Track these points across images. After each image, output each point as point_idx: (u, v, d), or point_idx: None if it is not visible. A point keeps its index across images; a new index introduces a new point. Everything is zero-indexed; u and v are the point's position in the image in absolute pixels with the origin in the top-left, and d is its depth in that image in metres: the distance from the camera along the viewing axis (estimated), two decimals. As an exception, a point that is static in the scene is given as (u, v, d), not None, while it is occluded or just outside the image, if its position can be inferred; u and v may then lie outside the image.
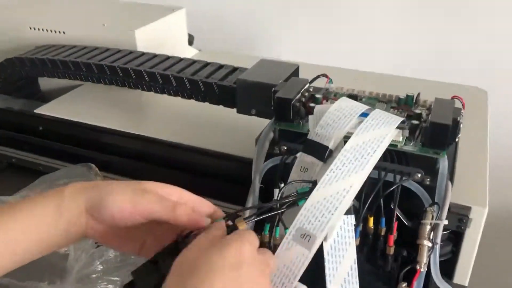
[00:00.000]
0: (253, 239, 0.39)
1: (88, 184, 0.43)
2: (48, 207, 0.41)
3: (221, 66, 0.73)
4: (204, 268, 0.34)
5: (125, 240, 0.44)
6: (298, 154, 0.52)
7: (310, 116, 0.55)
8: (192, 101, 0.72)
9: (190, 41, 1.04)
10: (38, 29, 0.93)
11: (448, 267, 0.58)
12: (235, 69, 0.72)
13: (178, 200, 0.43)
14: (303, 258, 0.44)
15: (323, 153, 0.50)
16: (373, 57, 1.14)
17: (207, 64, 0.74)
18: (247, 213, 0.44)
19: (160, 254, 0.40)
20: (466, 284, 0.59)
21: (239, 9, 1.25)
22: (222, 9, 1.26)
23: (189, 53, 0.99)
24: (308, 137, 0.52)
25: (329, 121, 0.52)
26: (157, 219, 0.41)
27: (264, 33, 1.24)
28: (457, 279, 0.59)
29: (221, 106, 0.70)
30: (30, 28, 0.93)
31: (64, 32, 0.91)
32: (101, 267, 0.60)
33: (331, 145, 0.50)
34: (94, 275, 0.59)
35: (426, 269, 0.49)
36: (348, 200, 0.45)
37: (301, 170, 0.51)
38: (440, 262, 0.52)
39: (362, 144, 0.48)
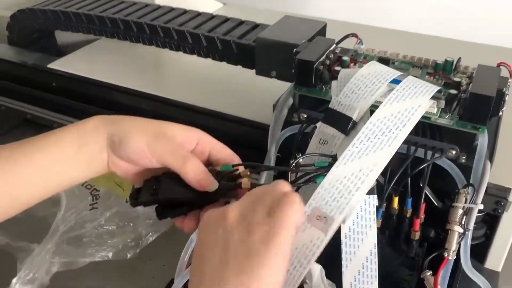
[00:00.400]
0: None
1: (110, 119, 0.42)
2: (68, 143, 0.40)
3: (241, 22, 0.67)
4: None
5: (145, 177, 0.43)
6: (318, 124, 0.47)
7: (333, 82, 0.49)
8: (209, 60, 0.67)
9: (215, -8, 0.98)
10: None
11: (480, 251, 0.53)
12: (256, 26, 0.66)
13: (198, 143, 0.42)
14: (318, 242, 0.39)
15: (346, 125, 0.44)
16: (412, 15, 1.05)
17: (226, 19, 0.68)
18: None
19: (167, 173, 0.41)
20: (499, 270, 0.54)
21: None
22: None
23: (212, 6, 0.93)
24: (329, 106, 0.46)
25: (354, 88, 0.46)
26: (168, 167, 0.40)
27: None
28: (489, 264, 0.54)
29: (239, 67, 0.65)
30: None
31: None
32: (96, 231, 0.57)
33: (354, 116, 0.44)
34: (86, 239, 0.57)
35: (454, 257, 0.44)
36: (371, 180, 0.40)
37: (320, 142, 0.46)
38: (471, 245, 0.47)
39: (390, 116, 0.43)
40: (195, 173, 0.39)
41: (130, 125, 0.41)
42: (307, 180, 0.41)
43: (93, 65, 0.77)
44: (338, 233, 0.43)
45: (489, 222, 0.52)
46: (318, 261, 0.49)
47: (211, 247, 0.33)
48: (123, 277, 0.57)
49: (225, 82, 0.71)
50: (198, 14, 0.70)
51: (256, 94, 0.67)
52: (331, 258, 0.47)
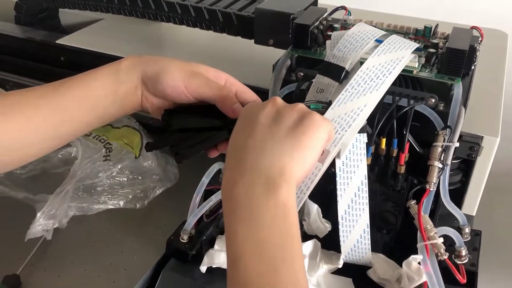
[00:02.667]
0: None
1: (143, 58, 0.45)
2: (105, 80, 0.43)
3: (241, -3, 0.73)
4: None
5: None
6: (316, 76, 0.53)
7: (327, 41, 0.55)
8: (210, 33, 0.73)
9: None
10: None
11: (456, 197, 0.59)
12: (254, 0, 0.72)
13: (225, 84, 0.47)
14: (316, 170, 0.45)
15: (339, 74, 0.51)
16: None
17: (225, -5, 0.74)
18: None
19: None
20: (473, 214, 0.60)
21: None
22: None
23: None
24: (325, 59, 0.52)
25: (346, 43, 0.52)
26: (205, 100, 0.45)
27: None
28: (465, 209, 0.60)
29: (239, 38, 0.71)
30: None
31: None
32: (108, 182, 0.62)
33: (347, 66, 0.51)
34: (99, 188, 0.62)
35: (435, 189, 0.50)
36: (362, 118, 0.46)
37: (317, 91, 0.52)
38: (449, 190, 0.53)
39: (378, 65, 0.49)
40: (231, 101, 0.44)
41: (165, 62, 0.44)
42: None
43: (100, 40, 0.82)
44: (332, 178, 0.48)
45: (465, 169, 0.59)
46: (315, 201, 0.55)
47: (257, 128, 0.38)
48: (138, 224, 0.62)
49: (225, 52, 0.76)
50: (199, -9, 0.75)
51: (254, 62, 0.72)
52: (326, 200, 0.53)
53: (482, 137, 0.55)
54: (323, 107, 0.47)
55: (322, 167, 0.45)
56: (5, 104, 0.41)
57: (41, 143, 0.42)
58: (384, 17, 0.88)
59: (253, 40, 0.69)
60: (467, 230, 0.54)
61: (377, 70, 0.49)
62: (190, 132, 0.45)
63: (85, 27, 0.89)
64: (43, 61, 0.83)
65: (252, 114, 0.40)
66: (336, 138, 0.46)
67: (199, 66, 0.46)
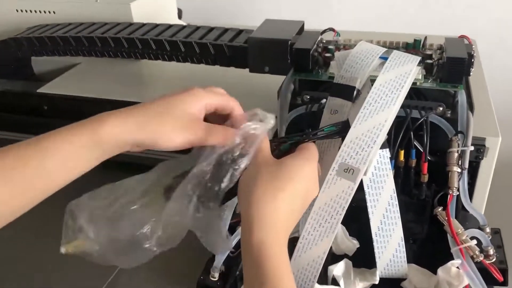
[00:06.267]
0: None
1: (128, 120, 0.40)
2: (85, 153, 0.39)
3: (226, 30, 0.74)
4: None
5: None
6: (328, 98, 0.53)
7: (332, 63, 0.57)
8: (199, 66, 0.73)
9: (179, 15, 1.04)
10: (26, 11, 0.91)
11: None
12: (240, 31, 0.73)
13: (205, 107, 0.45)
14: (349, 190, 0.46)
15: (351, 94, 0.52)
16: (353, 15, 1.18)
17: (212, 28, 0.74)
18: None
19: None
20: (482, 213, 0.63)
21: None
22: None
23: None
24: (334, 81, 0.53)
25: (352, 63, 0.54)
26: None
27: (249, 7, 1.25)
28: (474, 209, 0.62)
29: (231, 69, 0.71)
30: (17, 10, 0.91)
31: (54, 12, 0.89)
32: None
33: (357, 85, 0.52)
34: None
35: (457, 193, 0.52)
36: (384, 134, 0.47)
37: (331, 113, 0.53)
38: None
39: (389, 81, 0.50)
40: (219, 138, 0.44)
41: (156, 128, 0.41)
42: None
43: (83, 85, 0.80)
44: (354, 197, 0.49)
45: (471, 172, 0.61)
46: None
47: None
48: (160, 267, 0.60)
49: (219, 85, 0.76)
50: (184, 26, 0.75)
51: (251, 90, 0.73)
52: (346, 219, 0.54)
53: (485, 138, 0.58)
54: (336, 127, 0.49)
55: (354, 186, 0.46)
56: None
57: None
58: (370, 35, 0.92)
59: (244, 69, 0.69)
60: (487, 229, 0.56)
61: (389, 85, 0.50)
62: None
63: (62, 73, 0.87)
64: (25, 113, 0.80)
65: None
66: (364, 155, 0.46)
67: (186, 111, 0.43)
